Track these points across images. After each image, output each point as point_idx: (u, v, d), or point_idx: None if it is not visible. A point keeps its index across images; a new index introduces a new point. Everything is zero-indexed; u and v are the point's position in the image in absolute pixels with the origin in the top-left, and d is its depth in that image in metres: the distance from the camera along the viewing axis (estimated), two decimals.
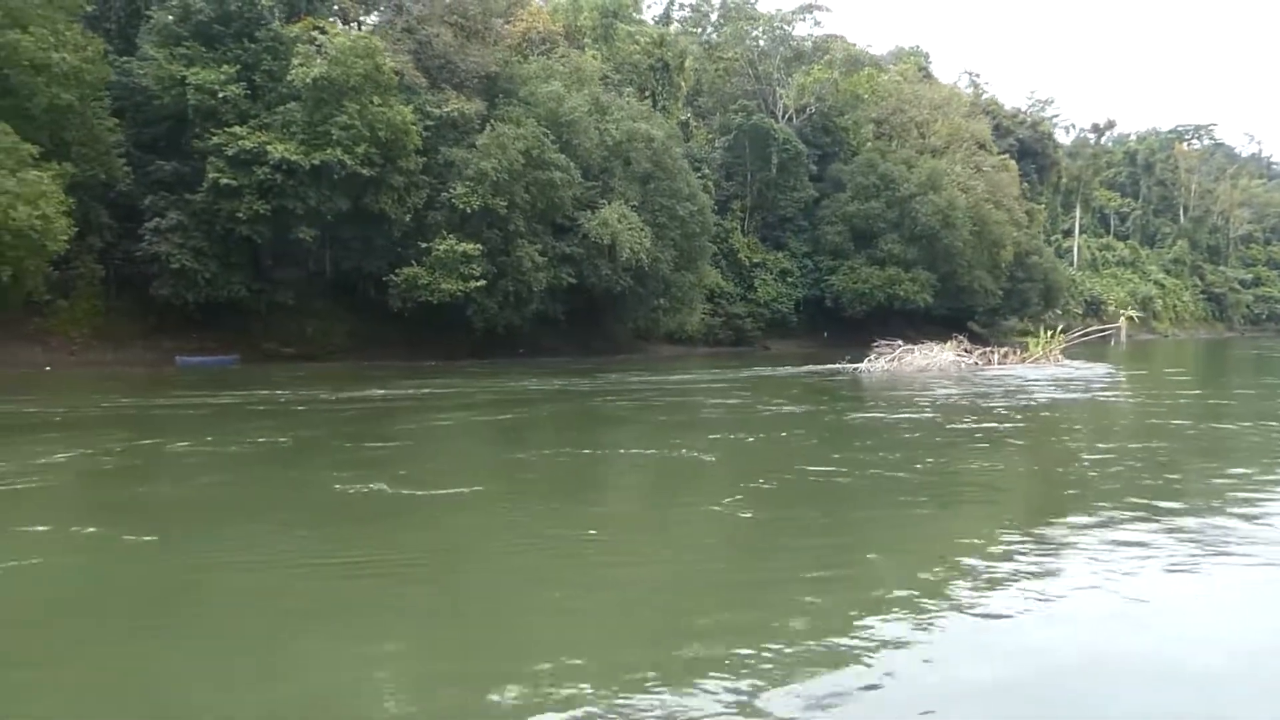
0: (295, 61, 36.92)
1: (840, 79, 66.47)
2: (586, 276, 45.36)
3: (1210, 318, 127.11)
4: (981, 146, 75.31)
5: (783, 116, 64.18)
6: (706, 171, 57.86)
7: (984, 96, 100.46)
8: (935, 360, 32.11)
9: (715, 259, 56.29)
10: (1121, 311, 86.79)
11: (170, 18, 38.17)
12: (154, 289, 38.10)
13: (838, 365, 35.79)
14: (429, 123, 41.18)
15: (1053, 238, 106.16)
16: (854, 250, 61.31)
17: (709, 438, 16.55)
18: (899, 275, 60.03)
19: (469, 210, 40.67)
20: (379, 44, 38.87)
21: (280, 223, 37.81)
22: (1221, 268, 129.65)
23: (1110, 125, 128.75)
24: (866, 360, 32.87)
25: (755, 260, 60.99)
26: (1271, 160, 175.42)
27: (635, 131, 48.18)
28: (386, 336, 44.34)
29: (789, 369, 37.83)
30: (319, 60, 36.74)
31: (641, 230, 45.63)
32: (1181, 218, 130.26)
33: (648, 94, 57.47)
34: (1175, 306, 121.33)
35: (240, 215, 36.67)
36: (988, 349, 36.47)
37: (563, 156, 43.48)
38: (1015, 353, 37.25)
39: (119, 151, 36.19)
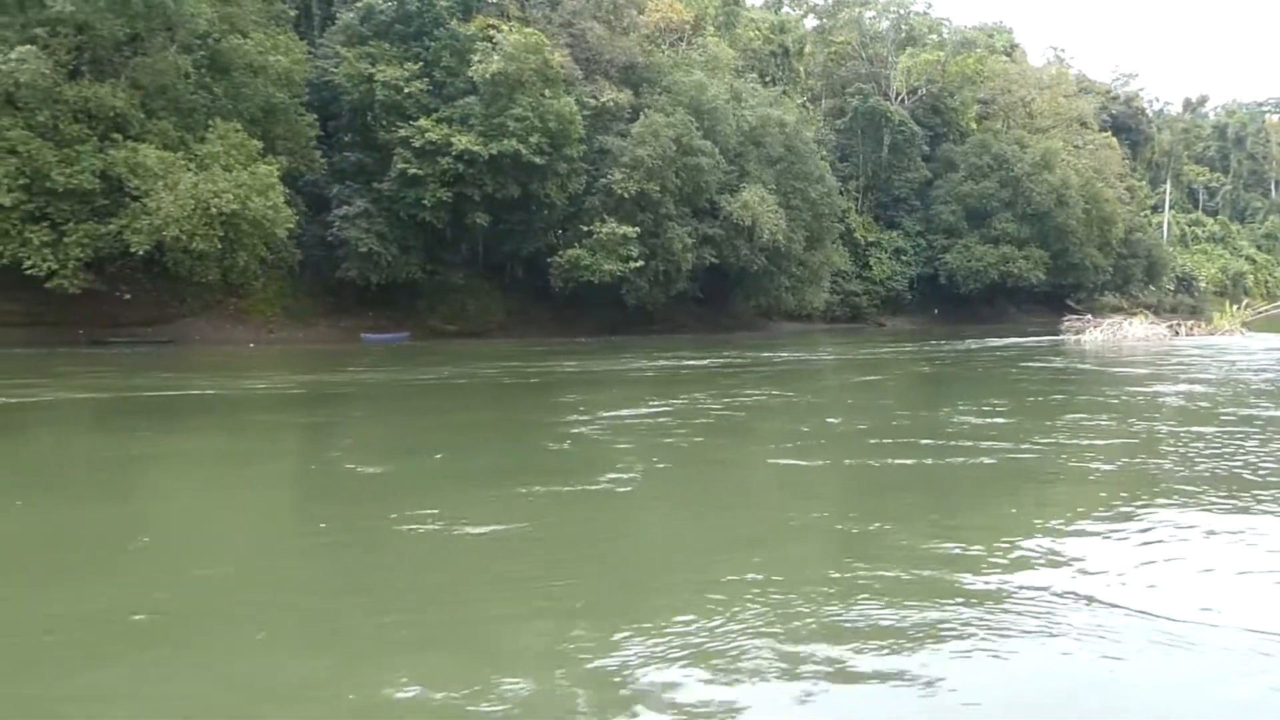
0: (475, 58, 39.66)
1: (948, 60, 67.87)
2: (726, 256, 47.71)
3: None
4: (1084, 124, 76.33)
5: (895, 98, 65.84)
6: (824, 153, 59.74)
7: (1071, 73, 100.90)
8: (1147, 332, 34.14)
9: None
10: None
11: (354, 17, 41.06)
12: (341, 271, 41.13)
13: (1040, 339, 37.69)
14: (586, 112, 43.72)
15: (1141, 214, 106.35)
16: (967, 229, 62.96)
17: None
18: (1012, 253, 61.60)
19: (625, 195, 43.20)
20: (545, 40, 41.45)
21: (457, 209, 40.69)
22: None
23: (1203, 100, 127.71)
24: (1086, 332, 34.99)
25: (870, 239, 62.89)
26: None
27: (768, 117, 50.43)
28: (537, 314, 47.20)
29: (995, 341, 39.43)
30: (495, 57, 39.40)
31: (777, 212, 47.84)
32: (1273, 192, 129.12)
33: (768, 79, 59.58)
34: (1267, 282, 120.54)
35: (425, 202, 39.58)
36: (1174, 322, 38.27)
37: (708, 143, 45.84)
38: (1200, 325, 38.95)
39: (314, 145, 39.24)
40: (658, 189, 43.75)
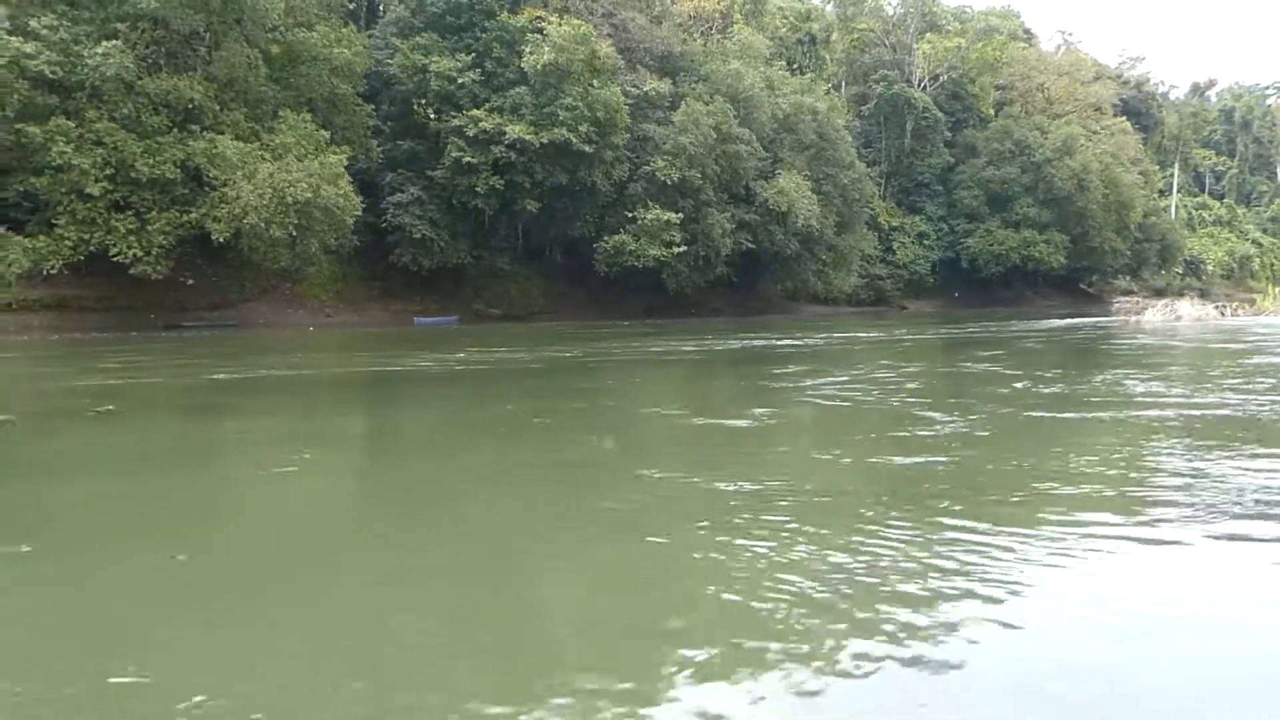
0: (526, 49, 40.84)
1: (969, 47, 69.01)
2: (761, 241, 49.04)
3: None
4: (1099, 110, 77.56)
5: (917, 85, 67.01)
6: (849, 139, 61.00)
7: (1070, 55, 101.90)
8: (1199, 312, 35.70)
9: None
10: None
11: (405, 9, 42.22)
12: (394, 256, 42.41)
13: (1097, 319, 39.08)
14: (628, 101, 44.93)
15: (1155, 198, 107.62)
16: (989, 214, 64.30)
17: None
18: (1034, 237, 62.97)
19: (667, 181, 44.46)
20: (591, 31, 42.62)
21: (507, 196, 41.94)
22: None
23: (1211, 84, 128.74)
24: (1146, 313, 36.59)
25: (894, 224, 64.19)
26: None
27: (801, 105, 51.66)
28: (575, 298, 48.51)
29: (1051, 322, 40.61)
30: (546, 48, 40.57)
31: (810, 198, 49.17)
32: (1278, 176, 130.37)
33: (795, 66, 60.73)
34: (1273, 265, 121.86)
35: (478, 189, 40.83)
36: (1220, 304, 39.82)
37: (745, 130, 47.11)
38: (1245, 306, 40.49)
39: (371, 134, 40.45)
40: (698, 176, 45.03)
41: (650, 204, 44.20)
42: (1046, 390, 14.91)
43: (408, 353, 28.01)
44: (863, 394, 14.88)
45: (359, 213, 35.36)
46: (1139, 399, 13.56)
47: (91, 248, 31.21)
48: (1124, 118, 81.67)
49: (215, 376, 18.93)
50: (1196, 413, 11.89)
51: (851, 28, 68.02)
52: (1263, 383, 15.59)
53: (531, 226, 45.89)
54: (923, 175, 65.78)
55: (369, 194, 42.90)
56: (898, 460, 8.59)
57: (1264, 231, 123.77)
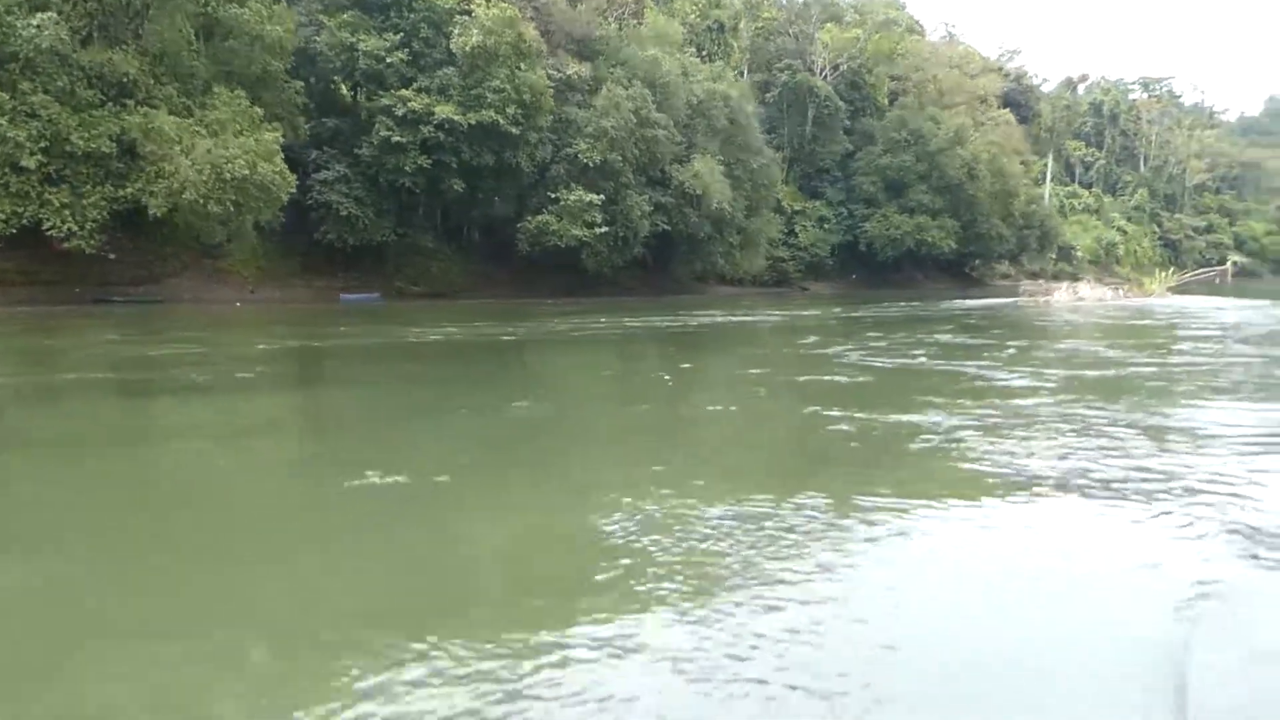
0: (454, 31, 41.41)
1: (867, 38, 71.74)
2: (676, 223, 50.64)
3: (1166, 263, 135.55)
4: (985, 101, 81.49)
5: (819, 73, 69.42)
6: (758, 125, 62.98)
7: (959, 48, 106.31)
8: (1100, 293, 38.85)
9: None
10: (1229, 256, 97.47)
11: None
12: (320, 233, 42.56)
13: (1005, 300, 42.24)
14: (550, 84, 45.85)
15: (1035, 187, 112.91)
16: (886, 200, 67.23)
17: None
18: (927, 223, 66.13)
19: (590, 164, 45.64)
20: (518, 14, 43.39)
21: (433, 175, 42.52)
22: (1177, 215, 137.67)
23: (1083, 78, 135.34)
24: (1054, 294, 39.64)
25: (796, 208, 66.54)
26: (1215, 111, 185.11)
27: (714, 91, 53.37)
28: (496, 277, 49.34)
29: (972, 302, 44.33)
30: (474, 30, 41.23)
31: (723, 181, 51.00)
32: (1142, 167, 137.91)
33: (704, 53, 62.37)
34: (1136, 252, 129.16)
35: (406, 169, 41.32)
36: (1115, 286, 42.98)
37: (663, 115, 48.55)
38: (1134, 289, 43.82)
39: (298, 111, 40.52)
40: (619, 158, 46.32)
41: (573, 185, 45.32)
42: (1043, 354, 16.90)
43: (344, 326, 28.70)
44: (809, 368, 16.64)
45: (294, 190, 35.62)
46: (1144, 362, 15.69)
47: (24, 221, 30.88)
48: (1007, 109, 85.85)
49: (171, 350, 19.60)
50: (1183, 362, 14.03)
51: (757, 15, 69.96)
52: (1207, 346, 18.10)
53: (454, 206, 46.50)
54: (824, 161, 68.35)
55: (293, 171, 42.91)
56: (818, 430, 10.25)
57: (1128, 220, 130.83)
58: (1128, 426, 9.93)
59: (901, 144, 67.26)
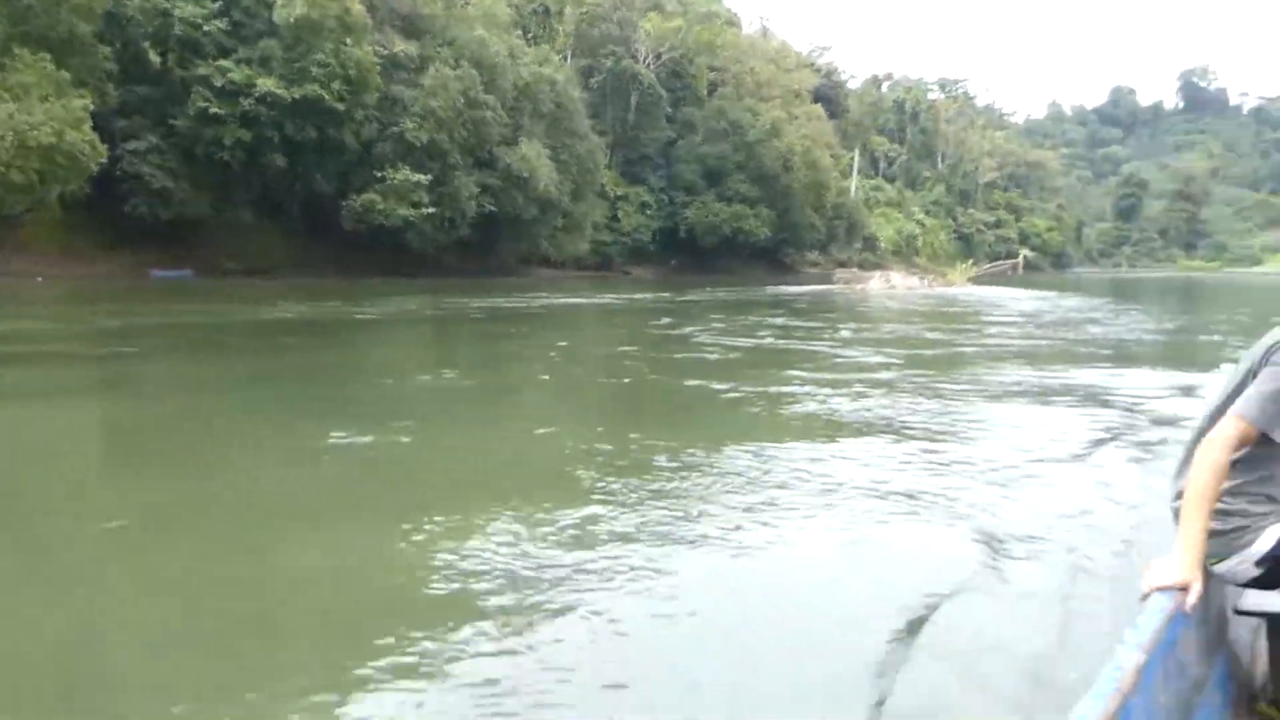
0: (278, 2, 40.29)
1: (689, 29, 73.55)
2: (503, 205, 50.88)
3: (961, 255, 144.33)
4: (798, 95, 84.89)
5: (642, 61, 70.74)
6: (583, 110, 63.74)
7: (776, 44, 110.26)
8: (911, 282, 41.36)
9: None
10: (1028, 251, 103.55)
11: None
12: (130, 206, 40.71)
13: (824, 287, 44.45)
14: (377, 61, 45.23)
15: (844, 180, 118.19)
16: (706, 187, 69.34)
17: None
18: (744, 211, 68.62)
19: (416, 144, 45.33)
20: None
21: (254, 149, 41.34)
22: (971, 210, 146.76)
23: (888, 77, 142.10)
24: (870, 282, 41.91)
25: (619, 193, 67.73)
26: (1004, 113, 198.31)
27: (541, 75, 53.78)
28: (318, 255, 48.37)
29: (795, 289, 46.16)
30: (298, 2, 40.25)
31: (549, 165, 51.59)
32: (940, 164, 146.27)
33: (530, 35, 62.61)
34: (933, 244, 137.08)
35: (225, 142, 40.03)
36: (923, 276, 45.68)
37: (491, 97, 48.67)
38: (940, 279, 46.76)
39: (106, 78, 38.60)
40: (447, 139, 46.22)
41: (399, 165, 44.92)
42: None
43: (168, 303, 27.79)
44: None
45: (104, 160, 34.03)
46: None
47: None
48: (819, 104, 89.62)
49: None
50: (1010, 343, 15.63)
51: (582, 1, 70.56)
52: (1012, 329, 20.05)
53: (275, 181, 45.28)
54: (646, 148, 69.79)
55: (101, 140, 40.91)
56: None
57: (926, 213, 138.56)
58: (963, 388, 11.53)
59: (721, 134, 69.46)
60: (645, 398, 11.90)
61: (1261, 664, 3.14)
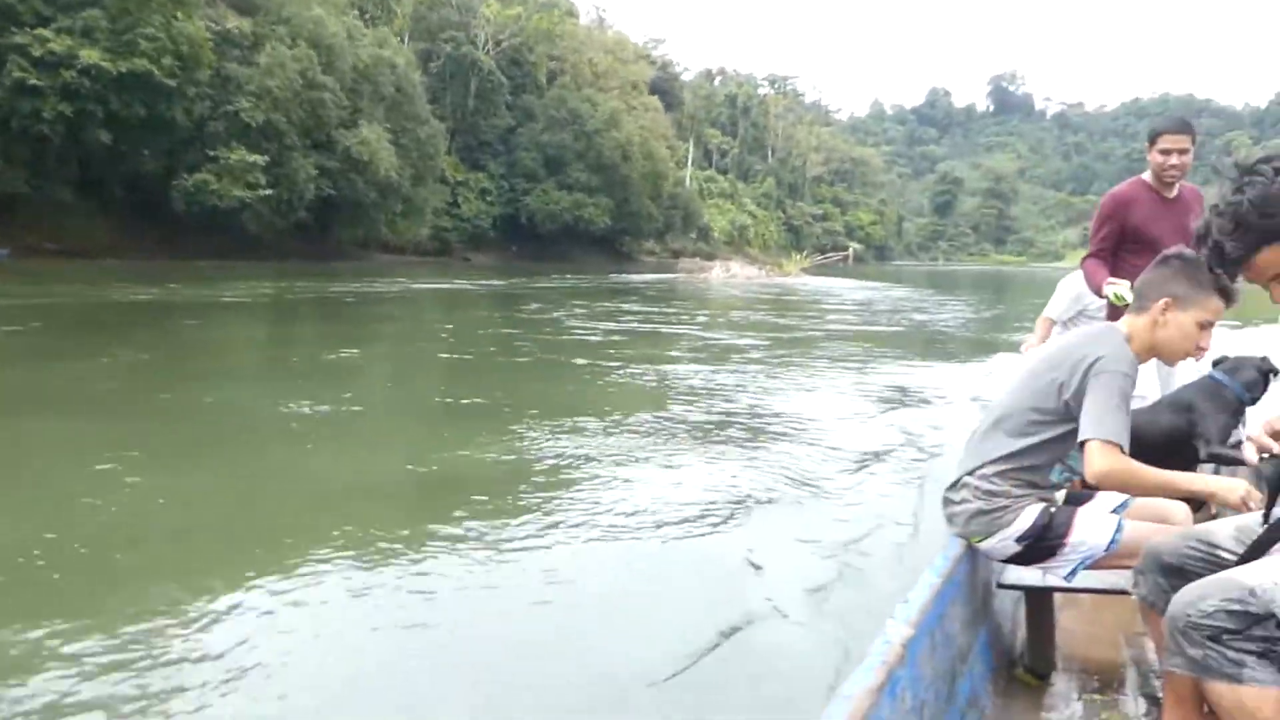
0: None
1: (528, 17, 73.66)
2: (342, 188, 50.07)
3: (790, 247, 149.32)
4: (635, 87, 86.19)
5: (481, 47, 70.49)
6: (424, 95, 63.08)
7: (614, 35, 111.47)
8: (751, 272, 42.84)
9: None
10: (854, 243, 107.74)
11: None
12: None
13: (669, 275, 45.14)
14: (210, 37, 43.76)
15: (680, 171, 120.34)
16: (546, 175, 69.73)
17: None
18: (584, 200, 69.39)
19: (252, 124, 44.12)
20: None
21: (77, 124, 39.43)
22: (799, 203, 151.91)
23: (721, 71, 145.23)
24: (712, 272, 43.08)
25: (459, 179, 67.39)
26: (830, 110, 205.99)
27: (380, 58, 53.05)
28: (145, 236, 46.47)
29: (647, 276, 46.97)
30: None
31: (390, 149, 51.04)
32: (770, 157, 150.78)
33: (367, 16, 61.51)
34: (764, 235, 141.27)
35: (44, 115, 38.05)
36: (761, 266, 47.19)
37: (329, 78, 47.76)
38: (776, 269, 48.45)
39: None
40: (284, 119, 45.14)
41: (234, 145, 43.65)
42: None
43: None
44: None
45: None
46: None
47: None
48: (656, 96, 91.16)
49: None
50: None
51: None
52: (852, 316, 21.30)
53: (98, 158, 43.24)
54: (486, 134, 69.67)
55: None
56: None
57: (758, 205, 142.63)
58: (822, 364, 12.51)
59: (560, 123, 69.97)
60: (553, 374, 12.51)
61: (1020, 634, 3.36)
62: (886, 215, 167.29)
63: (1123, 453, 2.66)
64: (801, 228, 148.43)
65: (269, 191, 44.17)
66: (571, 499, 5.93)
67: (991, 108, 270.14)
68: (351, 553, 4.81)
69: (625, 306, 25.61)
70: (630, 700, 3.36)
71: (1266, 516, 2.36)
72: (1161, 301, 2.88)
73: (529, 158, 69.83)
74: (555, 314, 21.96)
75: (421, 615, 4.09)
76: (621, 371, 11.88)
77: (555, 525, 5.35)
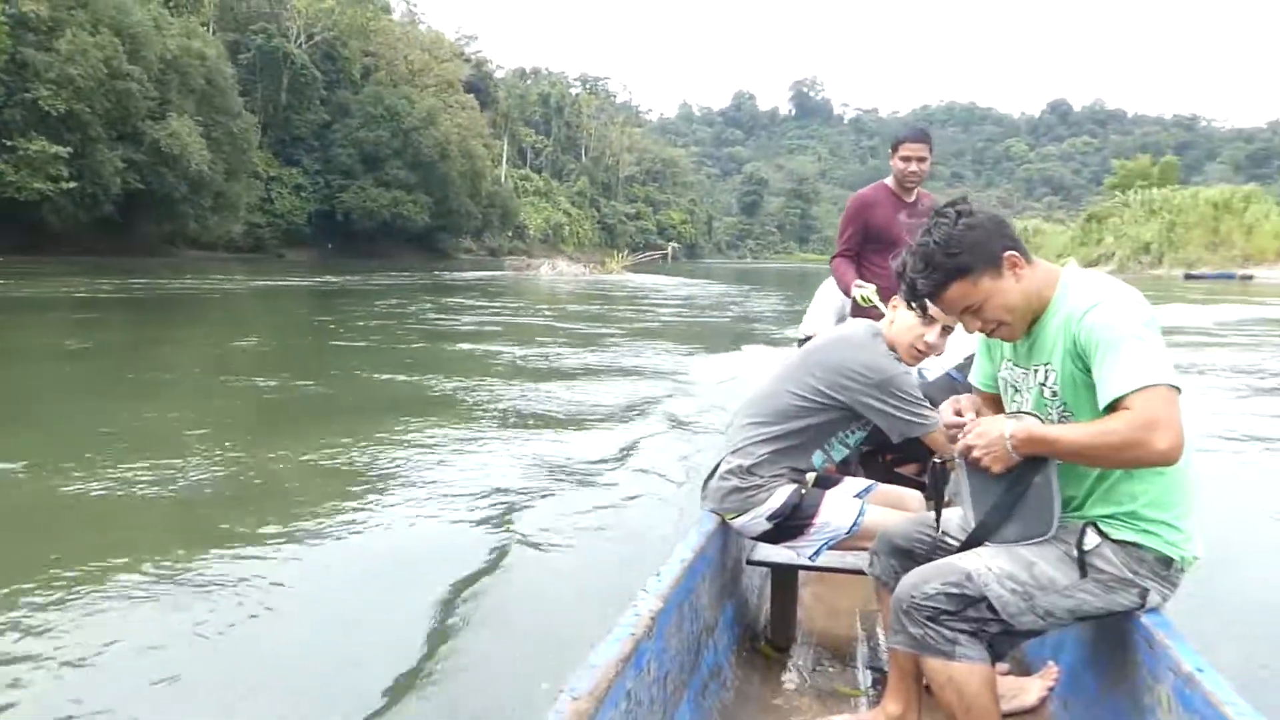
0: None
1: (342, 10, 72.56)
2: (150, 182, 48.40)
3: (604, 245, 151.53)
4: (451, 85, 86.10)
5: (294, 41, 69.05)
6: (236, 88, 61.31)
7: (427, 31, 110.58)
8: (577, 269, 43.91)
9: None
10: (668, 242, 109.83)
11: None
12: None
13: (499, 272, 45.53)
14: (5, 21, 41.58)
15: (496, 169, 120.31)
16: (363, 172, 69.05)
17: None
18: (403, 197, 69.10)
19: (54, 113, 42.22)
20: None
21: None
22: (613, 202, 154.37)
23: (535, 71, 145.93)
24: (541, 269, 43.87)
25: (272, 175, 65.88)
26: (641, 111, 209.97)
27: (190, 48, 51.47)
28: None
29: (480, 273, 47.02)
30: None
31: (201, 142, 49.65)
32: (583, 157, 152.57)
33: (172, 5, 59.32)
34: (579, 233, 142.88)
35: None
36: (586, 263, 48.16)
37: (136, 68, 46.10)
38: (598, 267, 49.58)
39: None
40: (88, 110, 43.42)
41: (33, 134, 41.68)
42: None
43: None
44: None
45: None
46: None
47: None
48: (472, 95, 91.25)
49: None
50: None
51: None
52: (685, 310, 22.75)
53: None
54: (300, 130, 68.32)
55: None
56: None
57: (572, 204, 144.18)
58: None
59: (377, 119, 69.39)
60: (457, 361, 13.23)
61: (765, 609, 3.49)
62: (697, 214, 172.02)
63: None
64: (615, 226, 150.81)
65: (73, 185, 42.37)
66: (340, 500, 5.73)
67: (793, 111, 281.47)
68: (126, 560, 4.54)
69: (477, 301, 26.44)
70: (377, 697, 3.25)
71: (936, 522, 2.57)
72: (892, 301, 3.16)
73: (345, 154, 68.93)
74: (414, 308, 22.62)
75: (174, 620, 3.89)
76: (438, 369, 11.80)
77: (311, 531, 5.12)
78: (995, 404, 2.58)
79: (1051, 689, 2.73)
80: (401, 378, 10.97)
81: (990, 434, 2.27)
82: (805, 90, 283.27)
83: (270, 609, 3.97)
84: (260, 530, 5.07)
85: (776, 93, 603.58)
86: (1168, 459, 2.03)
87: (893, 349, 3.06)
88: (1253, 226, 55.55)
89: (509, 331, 17.57)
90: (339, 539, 5.00)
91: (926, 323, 2.96)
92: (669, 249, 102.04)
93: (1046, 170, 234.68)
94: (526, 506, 5.50)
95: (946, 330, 3.00)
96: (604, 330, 17.95)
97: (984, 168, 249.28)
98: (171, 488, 5.81)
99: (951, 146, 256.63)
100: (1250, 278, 48.98)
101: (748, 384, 5.81)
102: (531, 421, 8.43)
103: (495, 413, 8.77)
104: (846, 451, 3.23)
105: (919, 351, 3.05)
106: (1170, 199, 64.43)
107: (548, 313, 24.03)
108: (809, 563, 3.11)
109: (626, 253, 56.99)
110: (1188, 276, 52.86)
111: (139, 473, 6.08)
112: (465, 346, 14.78)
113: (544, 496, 5.76)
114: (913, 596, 2.25)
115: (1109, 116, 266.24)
